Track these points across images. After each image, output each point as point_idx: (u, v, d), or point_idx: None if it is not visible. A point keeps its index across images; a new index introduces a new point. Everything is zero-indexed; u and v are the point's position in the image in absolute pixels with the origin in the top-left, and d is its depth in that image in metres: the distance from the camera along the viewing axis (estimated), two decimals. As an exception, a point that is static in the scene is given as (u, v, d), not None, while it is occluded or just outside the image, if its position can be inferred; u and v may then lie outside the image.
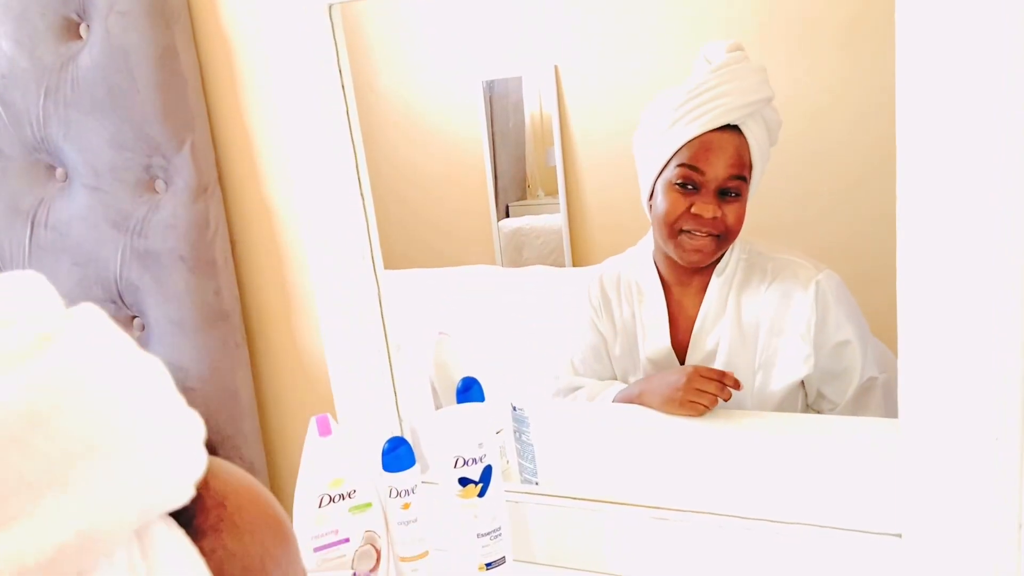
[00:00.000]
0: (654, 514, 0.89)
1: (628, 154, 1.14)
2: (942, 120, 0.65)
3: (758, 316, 1.07)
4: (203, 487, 0.39)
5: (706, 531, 0.87)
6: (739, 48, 1.03)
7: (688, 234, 1.08)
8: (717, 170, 1.04)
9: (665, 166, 1.08)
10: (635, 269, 1.17)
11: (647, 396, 1.11)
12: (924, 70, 0.65)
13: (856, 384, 1.03)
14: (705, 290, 1.11)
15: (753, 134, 1.04)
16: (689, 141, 1.05)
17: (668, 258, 1.12)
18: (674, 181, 1.07)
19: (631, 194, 1.17)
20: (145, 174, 1.05)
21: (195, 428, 0.38)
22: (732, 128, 1.04)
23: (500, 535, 0.88)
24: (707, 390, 1.06)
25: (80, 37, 1.05)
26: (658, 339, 1.13)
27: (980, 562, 0.73)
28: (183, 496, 0.36)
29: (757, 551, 0.85)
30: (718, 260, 1.10)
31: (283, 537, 0.43)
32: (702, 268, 1.11)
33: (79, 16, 1.04)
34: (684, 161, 1.06)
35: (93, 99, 1.04)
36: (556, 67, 1.27)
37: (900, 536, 0.77)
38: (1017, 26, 0.61)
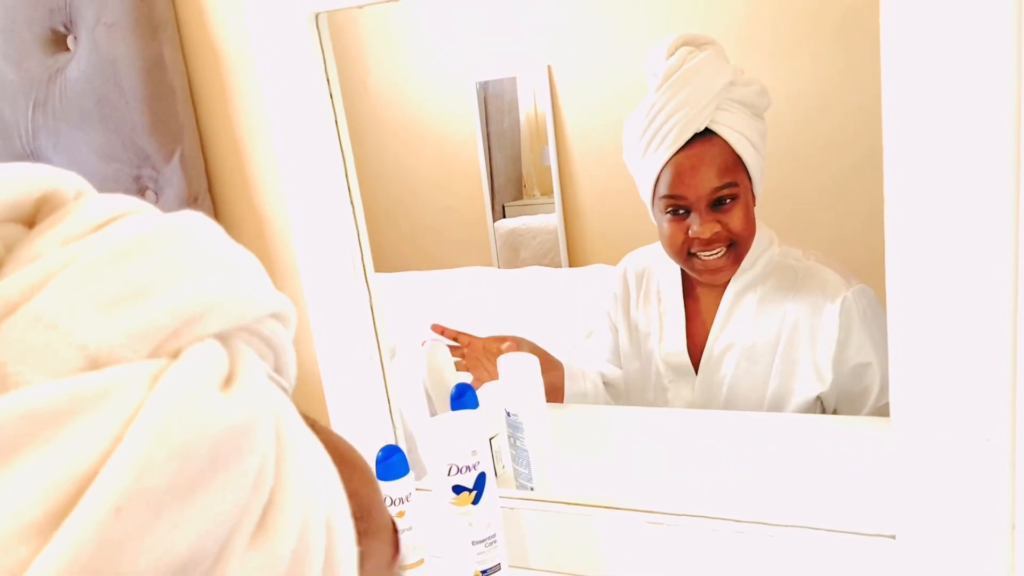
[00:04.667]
0: (648, 518, 0.89)
1: (622, 152, 1.13)
2: (929, 118, 0.65)
3: (779, 325, 1.02)
4: None
5: (700, 535, 0.86)
6: (683, 45, 0.96)
7: (697, 257, 1.03)
8: (699, 189, 0.99)
9: (653, 198, 1.04)
10: (660, 266, 1.12)
11: None
12: (908, 65, 0.65)
13: (868, 408, 0.99)
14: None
15: (729, 127, 0.97)
16: (663, 168, 0.99)
17: None
18: (664, 211, 1.03)
19: (626, 192, 1.17)
20: (135, 185, 1.05)
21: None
22: (703, 134, 0.98)
23: (495, 542, 0.88)
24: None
25: (68, 49, 1.05)
26: (674, 342, 1.09)
27: (974, 563, 0.73)
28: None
29: (751, 554, 0.84)
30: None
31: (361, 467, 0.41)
32: None
33: (66, 28, 1.04)
34: (665, 192, 1.01)
35: (82, 111, 1.04)
36: (549, 67, 1.27)
37: (894, 537, 0.77)
38: (1005, 22, 0.61)
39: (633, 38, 1.18)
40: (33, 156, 1.09)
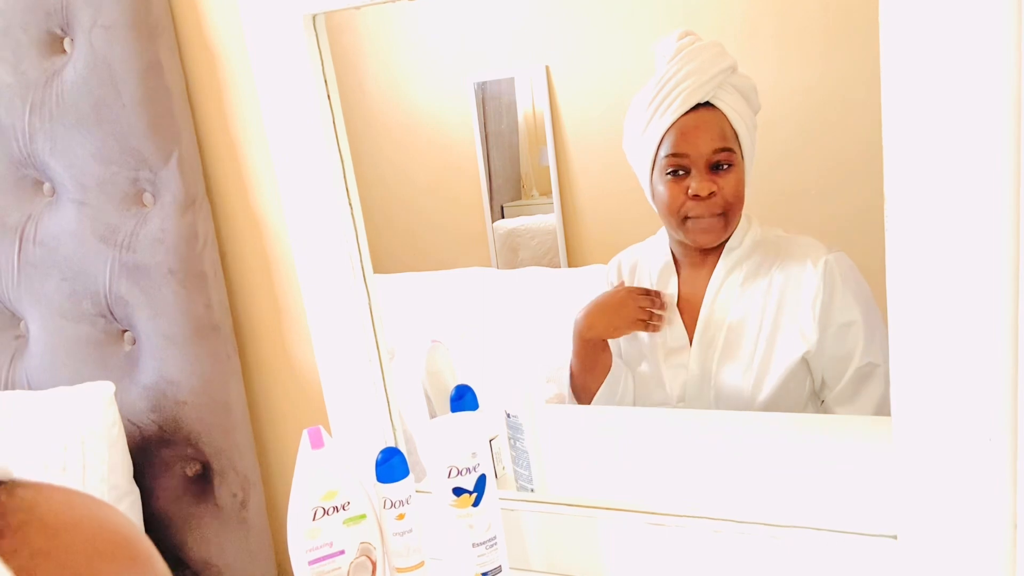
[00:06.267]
0: (650, 519, 0.89)
1: (621, 152, 1.14)
2: (929, 115, 0.65)
3: (766, 293, 1.09)
4: (5, 494, 0.35)
5: (702, 536, 0.86)
6: (689, 34, 1.06)
7: (693, 220, 1.11)
8: (701, 147, 1.07)
9: (654, 163, 1.10)
10: (651, 256, 1.19)
11: (590, 328, 1.19)
12: (908, 63, 0.65)
13: (854, 367, 1.04)
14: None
15: (728, 104, 1.06)
16: (667, 131, 1.08)
17: (682, 243, 1.15)
18: (665, 171, 1.10)
19: (625, 191, 1.17)
20: (132, 188, 1.05)
21: None
22: (705, 105, 1.06)
23: (495, 544, 0.88)
24: (645, 306, 1.16)
25: (64, 51, 1.05)
26: (670, 319, 1.16)
27: (976, 563, 0.72)
28: None
29: (753, 555, 0.84)
30: (728, 240, 1.13)
31: (118, 555, 0.38)
32: (714, 248, 1.13)
33: (63, 30, 1.04)
34: (668, 151, 1.09)
35: (78, 113, 1.03)
36: (547, 67, 1.26)
37: (896, 538, 0.76)
38: (1000, 20, 0.61)
39: (631, 39, 1.18)
40: (30, 159, 1.08)
